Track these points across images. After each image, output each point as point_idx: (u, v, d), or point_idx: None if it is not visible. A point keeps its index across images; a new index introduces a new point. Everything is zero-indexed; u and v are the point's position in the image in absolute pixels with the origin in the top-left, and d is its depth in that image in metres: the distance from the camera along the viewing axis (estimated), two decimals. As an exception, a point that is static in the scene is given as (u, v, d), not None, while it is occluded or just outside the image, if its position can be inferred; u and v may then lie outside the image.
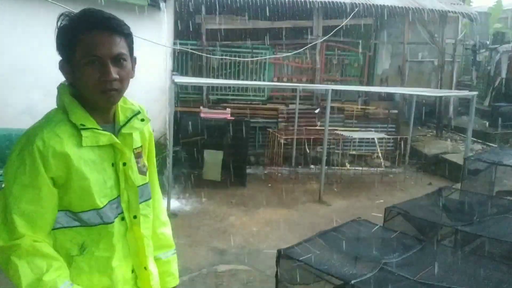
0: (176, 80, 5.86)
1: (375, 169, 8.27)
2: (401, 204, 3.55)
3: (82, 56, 1.30)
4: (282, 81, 8.70)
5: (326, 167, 6.90)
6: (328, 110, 6.33)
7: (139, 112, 1.49)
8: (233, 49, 8.37)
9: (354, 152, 8.63)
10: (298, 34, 8.95)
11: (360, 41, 9.19)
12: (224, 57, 8.18)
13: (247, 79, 8.43)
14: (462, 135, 9.71)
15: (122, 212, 1.43)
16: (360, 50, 9.11)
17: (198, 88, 8.23)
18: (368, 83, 9.45)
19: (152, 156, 1.63)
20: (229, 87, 8.41)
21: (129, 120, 1.45)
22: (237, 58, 8.19)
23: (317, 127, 8.41)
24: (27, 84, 5.10)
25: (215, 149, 6.77)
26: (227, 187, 6.63)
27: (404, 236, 2.94)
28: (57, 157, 1.28)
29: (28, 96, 5.02)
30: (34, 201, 1.28)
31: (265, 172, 7.84)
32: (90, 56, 1.29)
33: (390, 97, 9.57)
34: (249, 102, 8.47)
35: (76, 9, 1.42)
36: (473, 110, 7.05)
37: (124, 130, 1.43)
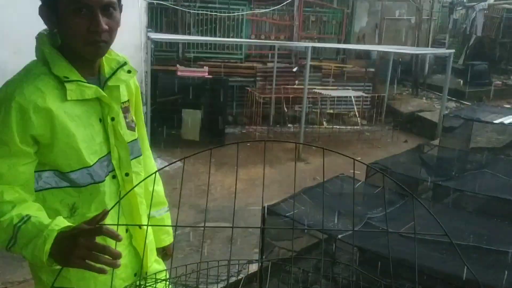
0: (152, 37, 5.67)
1: (352, 127, 8.34)
2: (382, 161, 3.59)
3: (68, 3, 1.18)
4: (260, 39, 8.55)
5: (304, 126, 6.91)
6: (308, 68, 6.28)
7: (125, 63, 1.38)
8: (209, 5, 8.12)
9: (331, 111, 8.66)
10: (276, -11, 8.72)
11: (339, -2, 9.05)
12: (200, 11, 7.93)
13: (224, 37, 8.23)
14: (437, 93, 9.84)
15: (113, 170, 1.36)
16: (338, 7, 8.98)
17: (173, 46, 8.00)
18: (346, 41, 9.38)
19: (140, 110, 1.55)
20: (206, 45, 8.21)
21: (115, 72, 1.35)
22: (213, 13, 7.95)
23: (295, 86, 8.37)
24: (-5, 41, 4.84)
25: (193, 109, 6.67)
26: (206, 146, 6.54)
27: (387, 192, 2.99)
28: (39, 113, 1.18)
29: (-4, 54, 4.77)
30: (8, 163, 1.19)
31: (244, 131, 7.80)
32: (78, 4, 1.18)
33: (367, 55, 9.55)
34: (226, 60, 8.31)
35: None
36: (450, 68, 7.12)
37: (110, 83, 1.33)
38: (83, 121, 1.27)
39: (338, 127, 8.28)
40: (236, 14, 8.13)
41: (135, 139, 1.45)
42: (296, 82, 8.46)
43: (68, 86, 1.23)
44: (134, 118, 1.47)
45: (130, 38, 6.48)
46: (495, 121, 4.07)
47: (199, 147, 6.50)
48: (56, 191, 1.28)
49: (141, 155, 1.48)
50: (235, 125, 8.00)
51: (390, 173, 3.42)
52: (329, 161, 5.86)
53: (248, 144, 7.07)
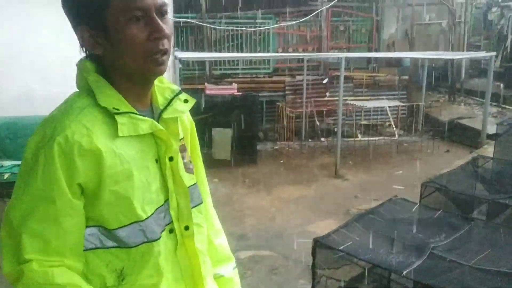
0: (179, 56, 5.52)
1: (389, 138, 7.98)
2: (437, 178, 3.27)
3: (120, 12, 0.97)
4: (288, 52, 8.34)
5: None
6: (342, 79, 6.01)
7: (180, 92, 1.15)
8: (235, 20, 7.97)
9: (365, 122, 8.33)
10: (302, 1, 8.52)
11: (367, 5, 8.77)
12: (226, 27, 7.78)
13: (251, 52, 8.06)
14: (476, 98, 9.38)
15: (171, 223, 1.11)
16: (367, 15, 8.70)
17: (200, 64, 7.87)
18: (376, 49, 9.07)
19: (197, 150, 1.30)
20: (233, 61, 8.05)
21: (170, 101, 1.12)
22: (239, 28, 7.79)
23: (326, 98, 8.10)
24: (23, 68, 4.74)
25: (223, 127, 6.47)
26: (238, 166, 6.36)
27: (449, 215, 2.68)
28: (85, 155, 0.97)
29: (24, 81, 4.68)
30: (47, 218, 0.97)
31: (276, 147, 7.56)
32: (132, 10, 0.97)
33: (398, 62, 9.20)
34: (254, 76, 8.13)
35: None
36: (492, 72, 6.72)
37: (165, 115, 1.10)
38: (137, 163, 1.03)
39: (374, 138, 7.94)
40: (262, 28, 7.95)
41: (195, 184, 1.19)
42: (327, 94, 8.19)
43: (119, 119, 1.00)
44: (191, 159, 1.22)
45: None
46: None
47: (231, 167, 6.29)
48: (102, 252, 1.03)
49: (201, 202, 1.22)
50: (266, 142, 7.76)
51: (446, 192, 3.10)
52: (367, 177, 5.57)
53: (281, 161, 6.83)
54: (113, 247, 1.03)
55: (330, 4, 8.02)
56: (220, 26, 7.73)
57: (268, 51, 8.16)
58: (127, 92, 1.05)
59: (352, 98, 8.06)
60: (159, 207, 1.07)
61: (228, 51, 7.98)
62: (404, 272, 2.06)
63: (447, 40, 9.95)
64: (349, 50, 8.78)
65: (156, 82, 1.12)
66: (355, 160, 6.85)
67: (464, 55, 7.30)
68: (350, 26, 8.81)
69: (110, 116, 1.01)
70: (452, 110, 8.84)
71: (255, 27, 7.92)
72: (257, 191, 5.56)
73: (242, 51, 8.06)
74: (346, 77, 8.20)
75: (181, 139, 1.17)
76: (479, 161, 3.63)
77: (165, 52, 1.02)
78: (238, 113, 6.71)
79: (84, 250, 1.02)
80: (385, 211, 2.73)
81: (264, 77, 8.21)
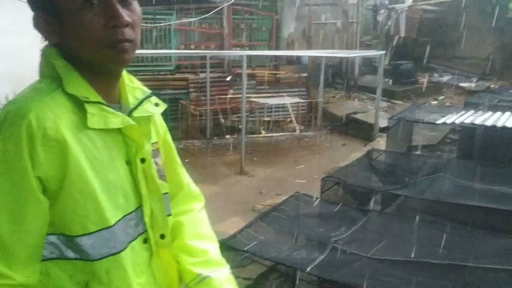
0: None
1: (290, 134, 8.22)
2: (336, 173, 3.41)
3: None
4: (190, 49, 8.21)
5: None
6: (245, 77, 6.05)
7: (152, 95, 1.05)
8: (133, 16, 7.64)
9: (268, 118, 8.50)
10: (203, -3, 8.44)
11: (267, 4, 8.94)
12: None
13: (151, 48, 7.80)
14: (369, 94, 10.02)
15: (145, 232, 0.99)
16: (267, 14, 8.87)
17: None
18: (277, 47, 9.29)
19: (174, 156, 1.17)
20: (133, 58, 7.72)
21: (141, 102, 1.01)
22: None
23: (230, 96, 8.12)
24: None
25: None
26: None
27: (347, 208, 2.80)
28: (49, 145, 0.83)
29: None
30: (11, 218, 0.82)
31: (180, 146, 7.40)
32: None
33: (298, 60, 9.52)
34: (156, 73, 7.89)
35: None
36: (382, 69, 7.20)
37: (136, 113, 0.99)
38: (105, 161, 0.91)
39: (277, 134, 8.13)
40: (163, 24, 7.73)
41: (167, 193, 1.07)
42: (231, 91, 8.21)
43: (89, 109, 0.88)
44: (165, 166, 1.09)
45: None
46: (438, 122, 4.05)
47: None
48: (63, 263, 0.89)
49: (170, 214, 1.09)
50: (170, 141, 7.58)
51: (345, 186, 3.24)
52: (271, 173, 5.66)
53: (187, 160, 6.71)
54: (74, 258, 0.89)
55: (231, 1, 8.04)
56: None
57: (169, 48, 7.96)
58: (92, 84, 0.92)
59: (255, 95, 8.17)
60: (127, 214, 0.95)
61: (127, 48, 7.65)
62: (308, 269, 2.10)
63: (341, 39, 10.52)
64: (250, 48, 8.88)
65: (126, 81, 1.02)
66: (260, 156, 6.96)
67: (357, 53, 7.74)
68: (251, 24, 8.92)
69: (78, 105, 0.89)
70: (347, 105, 9.35)
71: (155, 23, 7.68)
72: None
73: (143, 48, 7.77)
74: (248, 75, 8.29)
75: (154, 143, 1.06)
76: (373, 154, 3.86)
77: (127, 41, 0.90)
78: (139, 112, 6.47)
79: (43, 260, 0.88)
80: (288, 207, 2.78)
81: (166, 74, 8.01)
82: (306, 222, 2.65)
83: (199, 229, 1.17)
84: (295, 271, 2.30)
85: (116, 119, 0.93)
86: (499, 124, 3.85)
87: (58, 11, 0.88)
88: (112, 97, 0.98)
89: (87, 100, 0.89)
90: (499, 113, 4.30)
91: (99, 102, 0.91)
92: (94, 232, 0.89)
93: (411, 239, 2.42)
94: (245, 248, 2.27)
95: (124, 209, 0.95)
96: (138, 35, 0.94)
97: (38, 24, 0.91)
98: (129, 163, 0.97)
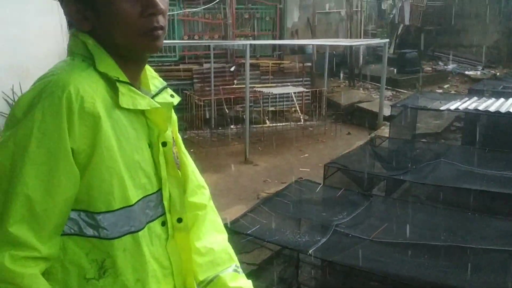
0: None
1: (295, 123, 8.23)
2: (339, 159, 3.43)
3: None
4: (194, 39, 8.21)
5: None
6: (248, 67, 6.06)
7: (167, 86, 1.08)
8: (137, 7, 7.65)
9: (272, 108, 8.50)
10: (206, -13, 8.42)
11: (270, -7, 8.91)
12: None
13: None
14: (373, 83, 9.99)
15: (163, 214, 1.01)
16: (270, 3, 8.84)
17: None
18: (280, 37, 9.26)
19: (182, 146, 1.18)
20: (137, 49, 7.74)
21: (160, 90, 1.05)
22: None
23: (234, 86, 8.13)
24: None
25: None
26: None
27: (350, 193, 2.82)
28: (85, 118, 0.85)
29: None
30: (45, 187, 0.83)
31: (185, 136, 7.44)
32: None
33: (302, 50, 9.49)
34: (160, 64, 7.90)
35: None
36: (386, 57, 7.19)
37: (158, 99, 1.01)
38: (132, 141, 0.93)
39: (281, 124, 8.14)
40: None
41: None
42: (235, 81, 8.22)
43: (121, 88, 0.91)
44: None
45: (54, 45, 5.94)
46: (442, 108, 4.05)
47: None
48: (81, 240, 0.91)
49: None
50: (175, 131, 7.61)
51: (347, 172, 3.26)
52: (277, 162, 5.68)
53: (192, 150, 6.74)
54: (92, 236, 0.91)
55: (234, -9, 8.03)
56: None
57: (173, 39, 7.97)
58: (120, 68, 0.95)
59: (259, 85, 8.17)
60: (147, 195, 0.97)
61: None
62: (310, 251, 2.13)
63: (345, 28, 10.47)
64: (254, 38, 8.87)
65: (146, 69, 1.04)
66: (264, 146, 6.98)
67: (361, 42, 7.71)
68: (254, 14, 8.89)
69: (109, 84, 0.91)
70: (352, 94, 9.33)
71: (159, 13, 7.68)
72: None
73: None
74: (252, 65, 8.29)
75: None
76: (376, 141, 3.87)
77: (160, 28, 0.93)
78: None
79: (61, 235, 0.89)
80: (291, 193, 2.81)
81: (170, 65, 8.02)
82: (309, 207, 2.68)
83: (208, 224, 1.19)
84: (298, 254, 2.32)
85: (144, 101, 0.95)
86: (503, 110, 3.84)
87: (93, 0, 0.90)
88: (136, 82, 1.00)
89: (118, 79, 0.92)
90: (502, 99, 4.29)
91: (128, 83, 0.94)
92: (116, 210, 0.91)
93: (412, 223, 2.44)
94: (248, 232, 2.30)
95: (144, 190, 0.96)
96: (166, 24, 0.97)
97: (70, 12, 0.93)
98: (151, 146, 0.99)
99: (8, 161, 0.84)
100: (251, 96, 7.64)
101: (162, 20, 0.94)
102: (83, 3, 0.91)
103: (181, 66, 8.02)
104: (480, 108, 3.97)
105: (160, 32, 0.94)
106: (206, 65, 7.99)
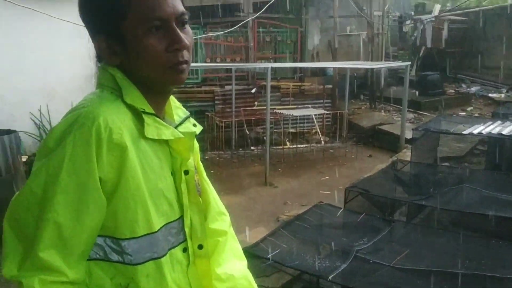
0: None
1: (316, 145, 8.22)
2: (360, 183, 3.42)
3: (138, 22, 0.93)
4: (216, 62, 8.36)
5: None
6: (269, 89, 6.12)
7: (189, 116, 1.13)
8: (161, 30, 7.85)
9: (293, 130, 8.53)
10: (228, 12, 8.59)
11: (292, 17, 9.03)
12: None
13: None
14: (394, 105, 9.94)
15: (185, 241, 1.04)
16: (292, 26, 8.96)
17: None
18: (301, 59, 9.35)
19: (203, 173, 1.21)
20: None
21: (184, 120, 1.10)
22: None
23: (255, 107, 8.20)
24: None
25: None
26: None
27: (371, 218, 2.80)
28: (113, 149, 0.90)
29: None
30: (75, 215, 0.88)
31: (206, 157, 7.51)
32: (152, 21, 0.93)
33: (323, 72, 9.54)
34: (183, 86, 8.04)
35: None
36: (407, 80, 7.16)
37: (181, 129, 1.06)
38: (157, 170, 0.97)
39: (301, 146, 8.14)
40: (189, 38, 7.90)
41: None
42: (256, 103, 8.29)
43: (146, 119, 0.95)
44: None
45: (79, 68, 6.13)
46: (464, 132, 4.01)
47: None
48: (106, 265, 0.95)
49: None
50: (196, 152, 7.68)
51: (369, 196, 3.25)
52: (297, 184, 5.67)
53: (212, 171, 6.80)
54: (117, 261, 0.94)
55: (256, 15, 8.16)
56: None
57: (196, 61, 8.13)
58: (146, 99, 1.00)
59: (279, 107, 8.22)
60: (169, 222, 1.01)
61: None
62: (330, 277, 2.12)
63: (367, 50, 10.50)
64: (275, 60, 8.97)
65: (170, 100, 1.09)
66: (284, 168, 6.98)
67: (382, 65, 7.72)
68: (276, 37, 9.01)
69: (135, 116, 0.96)
70: (373, 116, 9.29)
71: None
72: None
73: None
74: (273, 87, 8.36)
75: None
76: (398, 165, 3.84)
77: (185, 63, 0.98)
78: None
79: (87, 260, 0.94)
80: (311, 217, 2.81)
81: (192, 87, 8.16)
82: (329, 231, 2.67)
83: (228, 251, 1.20)
84: (318, 279, 2.31)
85: (168, 131, 0.99)
86: (528, 134, 3.79)
87: (123, 36, 0.95)
88: (160, 113, 1.05)
89: (144, 111, 0.96)
90: (527, 123, 4.23)
91: (153, 114, 0.98)
92: (140, 236, 0.94)
93: (434, 249, 2.41)
94: (268, 256, 2.31)
95: (167, 217, 1.00)
96: (191, 56, 1.01)
97: (100, 47, 0.98)
98: (173, 174, 1.02)
99: (40, 189, 0.89)
100: (271, 118, 7.70)
101: (186, 55, 0.98)
102: (113, 39, 0.96)
103: (203, 88, 8.16)
104: (504, 132, 3.91)
105: (184, 66, 0.98)
106: (227, 87, 8.11)
